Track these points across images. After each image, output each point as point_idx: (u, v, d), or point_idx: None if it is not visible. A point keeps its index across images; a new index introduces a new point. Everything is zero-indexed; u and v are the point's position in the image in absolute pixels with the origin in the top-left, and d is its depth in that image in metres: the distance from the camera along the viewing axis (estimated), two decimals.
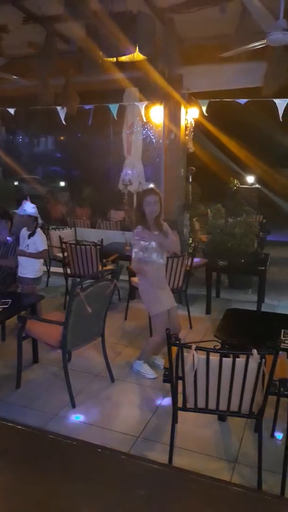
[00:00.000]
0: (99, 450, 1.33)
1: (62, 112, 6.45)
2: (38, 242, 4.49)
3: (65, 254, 5.46)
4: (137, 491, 1.13)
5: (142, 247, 3.65)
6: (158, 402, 3.49)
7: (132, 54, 4.38)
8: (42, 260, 4.70)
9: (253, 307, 5.23)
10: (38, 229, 4.57)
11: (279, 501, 1.27)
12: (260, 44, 3.60)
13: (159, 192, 3.77)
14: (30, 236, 4.50)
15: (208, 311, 5.43)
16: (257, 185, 12.26)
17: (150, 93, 5.82)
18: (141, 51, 4.24)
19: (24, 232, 4.58)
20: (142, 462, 1.28)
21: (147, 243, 3.66)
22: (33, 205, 4.50)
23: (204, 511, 1.10)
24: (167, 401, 3.46)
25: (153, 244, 3.68)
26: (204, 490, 1.15)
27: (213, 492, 1.15)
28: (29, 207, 4.46)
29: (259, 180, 12.19)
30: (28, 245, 4.51)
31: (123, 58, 4.47)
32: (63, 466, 1.24)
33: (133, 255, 3.67)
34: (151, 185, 3.87)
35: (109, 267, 5.56)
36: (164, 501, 1.11)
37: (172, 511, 1.09)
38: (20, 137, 11.44)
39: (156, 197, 3.66)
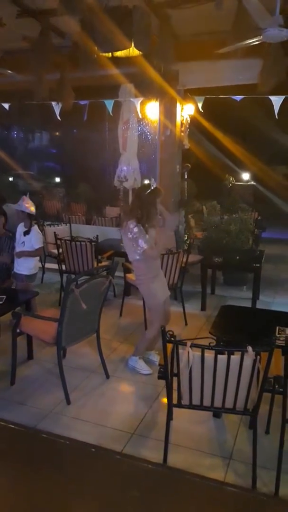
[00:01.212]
0: (93, 450, 1.32)
1: (57, 107, 6.42)
2: (34, 239, 4.46)
3: (60, 250, 5.44)
4: (132, 492, 1.12)
5: (145, 237, 3.57)
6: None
7: (128, 50, 4.35)
8: (37, 257, 4.68)
9: (248, 304, 5.24)
10: (35, 227, 4.54)
11: (274, 501, 1.28)
12: (256, 41, 3.59)
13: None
14: (25, 233, 4.48)
15: (203, 308, 5.44)
16: (252, 182, 12.27)
17: (146, 89, 5.79)
18: (136, 46, 4.20)
19: (21, 228, 4.55)
20: (136, 462, 1.27)
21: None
22: (31, 203, 4.46)
23: (199, 510, 1.10)
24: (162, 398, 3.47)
25: (147, 237, 3.63)
26: (198, 491, 1.15)
27: (207, 492, 1.15)
28: (26, 204, 4.42)
29: (254, 177, 12.19)
30: (24, 242, 4.49)
31: (119, 54, 4.44)
32: (56, 466, 1.23)
33: (144, 245, 3.55)
34: (149, 181, 3.80)
35: (104, 263, 5.55)
36: (159, 502, 1.10)
37: (166, 511, 1.09)
38: (15, 132, 11.36)
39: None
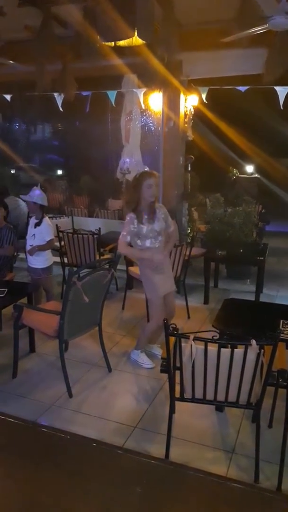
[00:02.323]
0: (94, 444, 1.30)
1: (59, 98, 6.35)
2: (45, 231, 4.39)
3: (62, 243, 5.41)
4: (134, 487, 1.10)
5: (132, 231, 3.57)
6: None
7: (131, 39, 4.28)
8: (50, 249, 4.61)
9: (251, 297, 5.20)
10: (46, 218, 4.45)
11: (277, 497, 1.25)
12: (262, 29, 3.51)
13: (157, 174, 3.65)
14: (36, 225, 4.41)
15: (206, 301, 5.40)
16: (256, 175, 12.16)
17: (149, 80, 5.71)
18: (139, 35, 4.13)
19: (32, 221, 4.49)
20: (138, 457, 1.25)
21: (137, 229, 3.57)
22: (41, 193, 4.40)
23: (202, 507, 1.07)
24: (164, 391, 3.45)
25: (145, 230, 3.57)
26: (201, 486, 1.12)
27: (210, 488, 1.12)
28: (36, 195, 4.36)
29: (258, 169, 12.08)
30: (34, 235, 4.41)
31: (121, 43, 4.37)
32: (57, 461, 1.20)
33: (121, 237, 3.59)
34: (147, 168, 3.72)
35: (106, 256, 5.52)
36: (161, 498, 1.08)
37: (169, 508, 1.07)
38: (17, 124, 11.29)
39: (156, 180, 3.55)
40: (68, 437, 1.33)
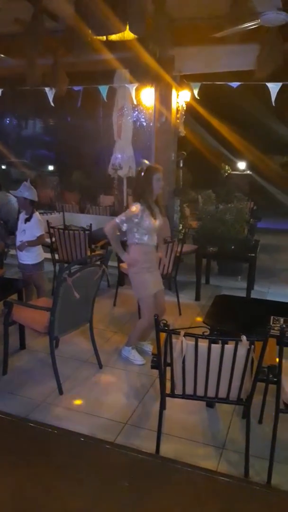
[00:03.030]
0: (82, 439, 1.29)
1: (50, 93, 6.29)
2: (35, 227, 4.35)
3: (53, 239, 5.38)
4: (122, 481, 1.09)
5: (132, 221, 3.54)
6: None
7: (122, 33, 4.25)
8: (41, 245, 4.57)
9: (243, 294, 5.22)
10: (36, 214, 4.40)
11: (266, 490, 1.25)
12: (254, 24, 3.51)
13: (162, 168, 3.67)
14: (26, 220, 4.37)
15: (197, 298, 5.41)
16: (248, 172, 12.19)
17: (141, 75, 5.68)
18: (131, 29, 4.10)
19: (22, 216, 4.45)
20: (127, 452, 1.24)
21: (139, 221, 3.52)
22: (31, 188, 4.35)
23: (190, 501, 1.07)
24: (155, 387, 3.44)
25: (147, 224, 3.54)
26: (190, 480, 1.12)
27: (199, 482, 1.12)
28: (26, 190, 4.31)
29: (250, 166, 12.11)
30: (24, 230, 4.37)
31: (113, 37, 4.34)
32: (45, 455, 1.20)
33: (115, 219, 3.57)
34: (146, 161, 3.69)
35: (98, 252, 5.49)
36: (148, 492, 1.07)
37: (156, 501, 1.06)
38: (8, 119, 11.18)
39: (160, 174, 3.57)
40: (56, 432, 1.32)
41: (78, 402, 3.26)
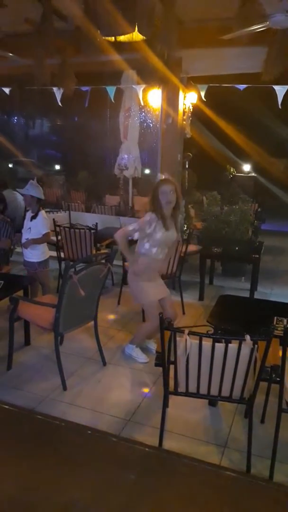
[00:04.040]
0: (89, 432, 1.31)
1: (58, 93, 6.33)
2: (41, 224, 4.38)
3: (59, 237, 5.41)
4: (127, 474, 1.11)
5: (144, 232, 3.51)
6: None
7: (131, 34, 4.28)
8: (46, 243, 4.59)
9: (246, 295, 5.24)
10: (42, 212, 4.43)
11: (270, 486, 1.27)
12: (262, 27, 3.53)
13: (174, 181, 3.59)
14: (32, 218, 4.41)
15: (201, 298, 5.43)
16: (253, 174, 12.20)
17: (148, 76, 5.72)
18: (140, 31, 4.13)
19: (28, 214, 4.48)
20: (133, 445, 1.26)
21: (152, 232, 3.50)
22: (38, 186, 4.39)
23: (195, 495, 1.09)
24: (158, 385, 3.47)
25: (159, 236, 3.51)
26: (195, 474, 1.14)
27: (204, 476, 1.14)
28: (33, 188, 4.35)
29: (255, 168, 12.12)
30: (30, 228, 4.40)
31: (122, 38, 4.36)
32: (51, 448, 1.22)
33: (127, 227, 3.55)
34: (163, 176, 3.67)
35: (103, 251, 5.52)
36: (154, 485, 1.10)
37: (163, 495, 1.08)
38: (15, 118, 11.25)
39: (172, 187, 3.47)
40: (63, 424, 1.35)
41: (81, 398, 3.30)
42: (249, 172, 12.21)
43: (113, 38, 4.54)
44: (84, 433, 1.33)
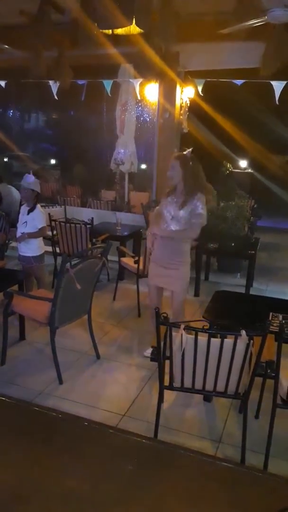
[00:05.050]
0: (86, 423, 1.31)
1: (54, 86, 6.28)
2: (37, 219, 4.34)
3: (54, 232, 5.38)
4: (125, 464, 1.11)
5: (156, 213, 3.57)
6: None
7: (128, 27, 4.24)
8: (41, 238, 4.56)
9: (242, 291, 5.23)
10: (38, 206, 4.39)
11: (264, 475, 1.27)
12: (260, 21, 3.51)
13: (179, 155, 3.51)
14: (29, 211, 4.37)
15: (196, 294, 5.43)
16: (250, 170, 12.19)
17: (145, 70, 5.67)
18: (137, 24, 4.09)
19: (23, 209, 4.44)
20: (129, 436, 1.26)
21: (159, 209, 3.56)
22: (36, 180, 4.35)
23: (191, 485, 1.09)
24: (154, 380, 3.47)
25: (164, 212, 3.49)
26: (191, 464, 1.14)
27: (199, 466, 1.14)
28: (32, 182, 4.31)
29: (252, 164, 12.11)
30: (26, 222, 4.36)
31: (119, 31, 4.33)
32: (48, 439, 1.21)
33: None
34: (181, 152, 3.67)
35: (98, 245, 5.49)
36: (151, 475, 1.10)
37: (159, 485, 1.08)
38: (11, 111, 11.16)
39: (173, 162, 3.46)
40: (60, 415, 1.34)
41: (76, 393, 3.29)
42: (245, 168, 12.20)
43: (110, 31, 4.50)
44: (80, 424, 1.33)
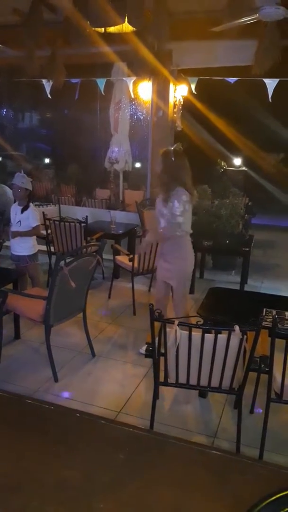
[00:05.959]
0: (78, 415, 1.32)
1: (48, 85, 6.28)
2: (31, 217, 4.33)
3: (49, 231, 5.38)
4: (117, 454, 1.12)
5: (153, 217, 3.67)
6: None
7: (121, 26, 4.25)
8: (35, 236, 4.56)
9: (236, 288, 5.26)
10: (31, 204, 4.39)
11: (258, 464, 1.29)
12: (252, 19, 3.52)
13: (163, 151, 3.55)
14: (23, 210, 4.36)
15: (191, 291, 5.43)
16: (244, 168, 12.23)
17: (139, 68, 5.68)
18: (130, 22, 4.10)
19: (16, 208, 4.43)
20: (122, 427, 1.27)
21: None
22: (26, 177, 4.34)
23: (184, 474, 1.10)
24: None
25: (157, 210, 3.60)
26: (183, 454, 1.15)
27: (193, 455, 1.15)
28: (24, 181, 4.30)
29: (246, 162, 12.14)
30: (20, 221, 4.36)
31: (112, 29, 4.33)
32: (41, 430, 1.23)
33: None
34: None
35: (93, 243, 5.50)
36: (143, 465, 1.11)
37: (152, 474, 1.10)
38: (4, 110, 11.12)
39: (160, 157, 3.54)
40: (52, 408, 1.35)
41: (71, 391, 3.30)
42: (239, 166, 12.24)
43: (103, 29, 4.51)
44: (73, 415, 1.34)
